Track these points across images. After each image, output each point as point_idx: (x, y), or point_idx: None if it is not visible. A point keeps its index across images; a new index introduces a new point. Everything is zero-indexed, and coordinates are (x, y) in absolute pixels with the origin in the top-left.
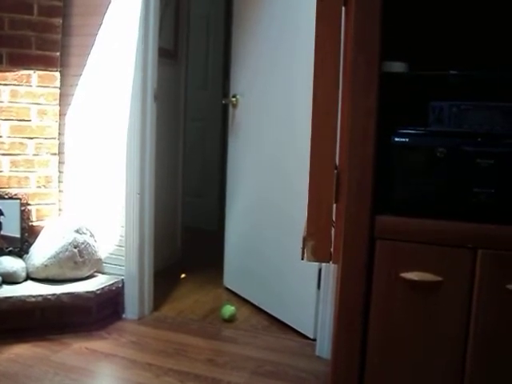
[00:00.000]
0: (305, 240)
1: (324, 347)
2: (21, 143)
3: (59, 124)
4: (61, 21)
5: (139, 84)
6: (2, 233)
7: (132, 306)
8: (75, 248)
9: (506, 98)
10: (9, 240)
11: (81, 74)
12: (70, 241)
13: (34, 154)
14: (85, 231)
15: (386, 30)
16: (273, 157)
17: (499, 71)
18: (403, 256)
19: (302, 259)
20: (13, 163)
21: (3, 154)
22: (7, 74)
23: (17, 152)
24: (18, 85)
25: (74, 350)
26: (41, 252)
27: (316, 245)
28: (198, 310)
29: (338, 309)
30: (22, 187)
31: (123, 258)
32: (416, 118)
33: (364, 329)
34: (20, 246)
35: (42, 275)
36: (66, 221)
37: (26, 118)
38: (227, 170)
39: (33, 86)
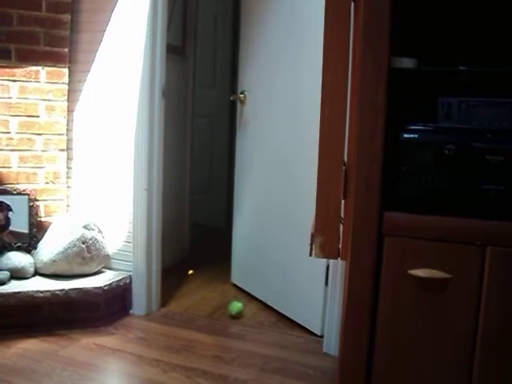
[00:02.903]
0: (313, 236)
1: (331, 344)
2: (29, 139)
3: (67, 120)
4: (69, 17)
5: (147, 80)
6: (11, 228)
7: (139, 302)
8: (83, 244)
9: None
10: (17, 235)
11: (89, 71)
12: (78, 237)
13: (43, 150)
14: (93, 227)
15: (395, 26)
16: (280, 154)
17: (509, 67)
18: (412, 253)
19: (310, 256)
20: (21, 159)
21: (12, 150)
22: (16, 70)
23: (25, 148)
24: (27, 81)
25: (82, 346)
26: (49, 248)
27: (324, 241)
28: (205, 306)
29: (345, 305)
30: (30, 183)
31: (131, 254)
32: (425, 114)
33: (372, 326)
34: (28, 241)
35: (50, 271)
36: (74, 217)
37: (35, 114)
38: (235, 167)
39: (41, 82)
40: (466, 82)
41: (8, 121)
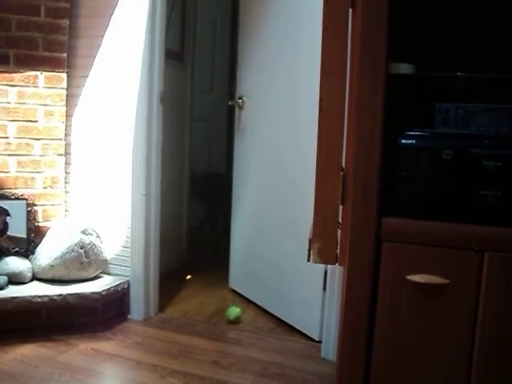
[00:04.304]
0: (311, 242)
1: (329, 349)
2: (27, 144)
3: (66, 125)
4: (68, 22)
5: (145, 85)
6: (9, 233)
7: (137, 307)
8: (81, 249)
9: None
10: (15, 240)
11: (87, 76)
12: (76, 241)
13: (41, 155)
14: (91, 232)
15: (393, 32)
16: (278, 159)
17: (507, 73)
18: (409, 258)
19: (308, 261)
20: (19, 164)
21: (10, 155)
22: (14, 75)
23: (23, 153)
24: (25, 86)
25: (80, 351)
26: (47, 252)
27: (322, 247)
28: (203, 311)
29: (343, 311)
30: (28, 188)
31: (129, 259)
32: (423, 119)
33: (370, 331)
34: (26, 246)
35: (48, 276)
36: (72, 221)
37: (33, 119)
38: (233, 172)
39: (40, 87)
40: (464, 87)
41: (6, 125)
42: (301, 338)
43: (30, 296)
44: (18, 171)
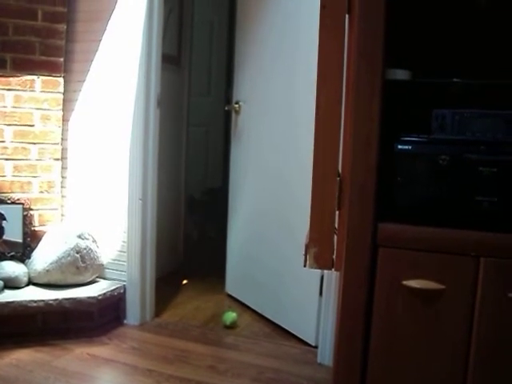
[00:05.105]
0: (307, 247)
1: (326, 354)
2: (24, 148)
3: (62, 129)
4: (65, 27)
5: (142, 90)
6: (5, 237)
7: (133, 312)
8: (77, 253)
9: (509, 106)
10: (11, 245)
11: (84, 80)
12: (72, 246)
13: (37, 159)
14: (87, 236)
15: (390, 38)
16: (275, 164)
17: (502, 79)
18: (405, 264)
19: (305, 266)
20: (16, 168)
21: (6, 159)
22: (11, 79)
23: (20, 157)
24: (22, 90)
25: (76, 356)
26: (43, 257)
27: (318, 252)
28: (199, 316)
29: (339, 316)
30: (24, 192)
31: (125, 264)
32: (419, 125)
33: (366, 336)
34: (22, 250)
35: (44, 280)
36: (68, 226)
37: (30, 123)
38: (229, 177)
39: (36, 92)
40: (460, 93)
41: (3, 130)
42: (297, 342)
43: (26, 301)
44: (14, 175)
